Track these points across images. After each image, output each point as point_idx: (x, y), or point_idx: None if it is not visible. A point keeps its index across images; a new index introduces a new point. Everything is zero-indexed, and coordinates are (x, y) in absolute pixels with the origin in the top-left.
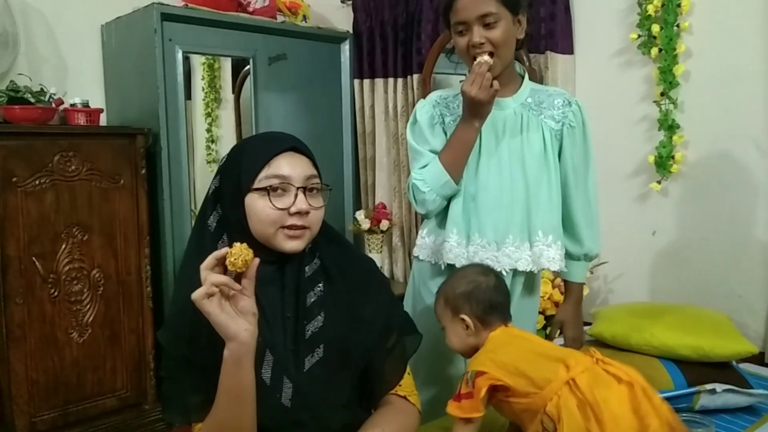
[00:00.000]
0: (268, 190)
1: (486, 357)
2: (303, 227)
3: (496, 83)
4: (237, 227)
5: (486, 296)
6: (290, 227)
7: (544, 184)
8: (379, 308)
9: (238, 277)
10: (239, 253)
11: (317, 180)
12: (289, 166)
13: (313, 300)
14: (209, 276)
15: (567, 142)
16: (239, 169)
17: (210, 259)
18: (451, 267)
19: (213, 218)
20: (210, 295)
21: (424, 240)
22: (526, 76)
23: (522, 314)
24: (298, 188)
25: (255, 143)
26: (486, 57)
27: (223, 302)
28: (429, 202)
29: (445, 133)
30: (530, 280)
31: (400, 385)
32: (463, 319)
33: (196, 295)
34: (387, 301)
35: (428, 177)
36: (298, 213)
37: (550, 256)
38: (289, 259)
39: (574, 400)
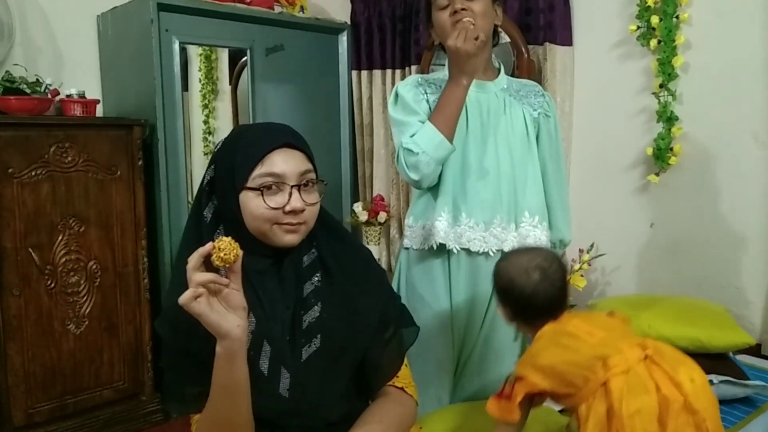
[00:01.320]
0: (262, 190)
1: (528, 361)
2: (299, 223)
3: (481, 34)
4: (232, 221)
5: (527, 301)
6: (286, 224)
7: (530, 164)
8: (376, 299)
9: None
10: (230, 247)
11: (312, 174)
12: (283, 163)
13: (310, 290)
14: (193, 276)
15: (543, 131)
16: (233, 165)
17: (196, 258)
18: (441, 247)
19: (209, 209)
20: (197, 297)
21: (413, 228)
22: (503, 69)
23: None
24: (292, 186)
25: (249, 136)
26: (469, 19)
27: (212, 300)
28: (422, 165)
29: (431, 110)
30: None
31: (397, 377)
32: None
33: (184, 299)
34: (384, 293)
35: (421, 140)
36: (293, 212)
37: (536, 236)
38: (286, 251)
39: (605, 405)
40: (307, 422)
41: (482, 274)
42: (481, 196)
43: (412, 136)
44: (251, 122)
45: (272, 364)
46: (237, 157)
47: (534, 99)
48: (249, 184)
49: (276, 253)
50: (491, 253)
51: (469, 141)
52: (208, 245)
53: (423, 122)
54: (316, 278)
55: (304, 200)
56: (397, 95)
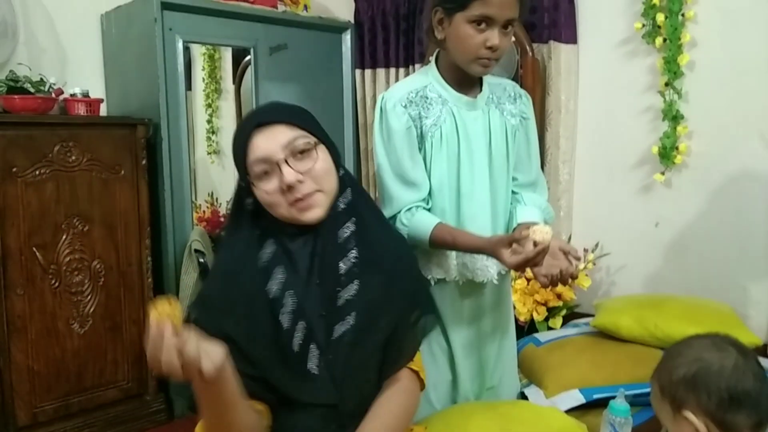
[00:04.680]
0: (255, 181)
1: None
2: (308, 195)
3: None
4: (262, 210)
5: (722, 383)
6: (295, 202)
7: (511, 183)
8: (408, 281)
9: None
10: (171, 312)
11: (304, 139)
12: (263, 143)
13: (347, 267)
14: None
15: (531, 132)
16: (235, 162)
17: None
18: (441, 281)
19: (249, 202)
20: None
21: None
22: (484, 78)
23: (504, 317)
24: (278, 161)
25: (235, 131)
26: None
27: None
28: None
29: (422, 141)
30: (507, 282)
31: (413, 360)
32: (688, 419)
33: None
34: (416, 275)
35: (413, 227)
36: (290, 187)
37: None
38: (320, 224)
39: None
40: (331, 400)
41: (480, 296)
42: (479, 223)
43: (408, 210)
44: None
45: (304, 341)
46: (235, 156)
47: (511, 105)
48: (250, 176)
49: (310, 228)
50: (495, 280)
51: (462, 168)
52: (164, 325)
53: (415, 185)
54: (353, 255)
55: (297, 170)
56: (388, 128)
